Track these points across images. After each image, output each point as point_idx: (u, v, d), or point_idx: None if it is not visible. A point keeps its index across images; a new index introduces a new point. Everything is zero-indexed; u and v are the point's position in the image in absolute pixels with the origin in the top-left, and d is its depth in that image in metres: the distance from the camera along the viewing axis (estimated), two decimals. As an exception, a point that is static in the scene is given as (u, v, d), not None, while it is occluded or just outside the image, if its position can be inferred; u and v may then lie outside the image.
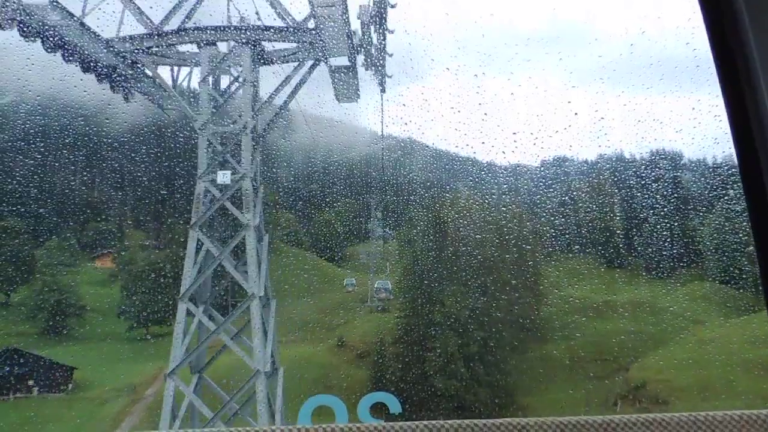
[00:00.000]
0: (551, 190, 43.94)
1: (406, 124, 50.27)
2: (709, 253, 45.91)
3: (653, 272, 45.18)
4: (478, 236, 41.25)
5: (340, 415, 7.10)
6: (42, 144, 41.91)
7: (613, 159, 44.89)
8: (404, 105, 48.17)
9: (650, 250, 43.60)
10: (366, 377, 37.36)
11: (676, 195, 43.13)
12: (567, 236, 44.83)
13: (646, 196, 42.54)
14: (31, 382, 36.37)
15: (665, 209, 41.22)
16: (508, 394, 35.76)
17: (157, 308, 47.57)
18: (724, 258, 43.47)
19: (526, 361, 38.12)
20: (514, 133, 44.74)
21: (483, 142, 44.75)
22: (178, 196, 48.51)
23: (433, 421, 2.57)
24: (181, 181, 47.00)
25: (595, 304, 44.77)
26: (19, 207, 49.60)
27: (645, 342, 40.46)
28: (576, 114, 42.56)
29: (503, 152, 51.57)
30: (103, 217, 56.31)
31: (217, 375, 21.87)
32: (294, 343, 44.77)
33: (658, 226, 41.79)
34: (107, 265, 56.90)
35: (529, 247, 43.78)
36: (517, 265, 42.18)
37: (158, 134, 42.50)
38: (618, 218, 46.45)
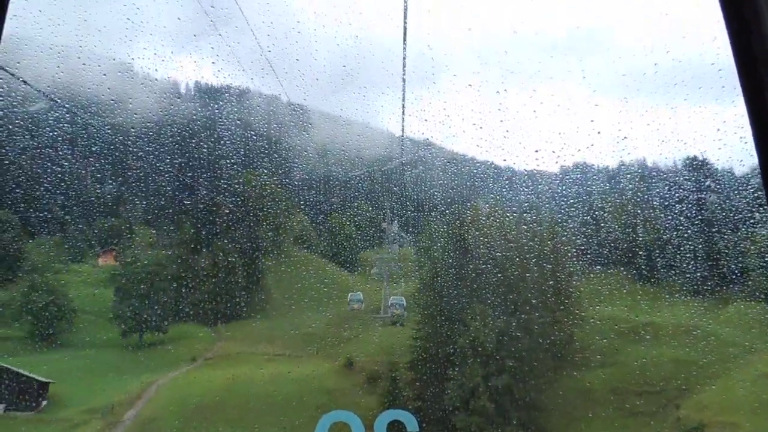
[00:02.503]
0: (576, 205, 40.88)
1: (427, 139, 46.38)
2: (756, 270, 41.44)
3: (692, 291, 41.05)
4: (502, 252, 37.86)
5: (356, 431, 7.01)
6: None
7: (638, 174, 43.01)
8: (426, 120, 45.75)
9: (687, 266, 39.75)
10: (376, 405, 32.59)
11: (711, 210, 40.26)
12: (595, 252, 41.64)
13: (679, 210, 39.56)
14: (-4, 399, 32.27)
15: (700, 224, 38.50)
16: (540, 433, 30.79)
17: (155, 313, 45.01)
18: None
19: (560, 395, 33.28)
20: (537, 151, 42.51)
21: (504, 159, 41.99)
22: (185, 194, 47.04)
23: None
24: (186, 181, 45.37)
25: (632, 325, 40.75)
26: (13, 202, 46.91)
27: (695, 373, 35.90)
28: (599, 133, 39.52)
29: (525, 170, 47.54)
30: (105, 213, 53.70)
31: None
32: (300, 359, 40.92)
33: (693, 242, 38.71)
34: (106, 264, 53.47)
35: (556, 263, 39.78)
36: (544, 283, 38.17)
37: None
38: (649, 234, 43.07)
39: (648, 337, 39.48)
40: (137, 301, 44.97)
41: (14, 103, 35.35)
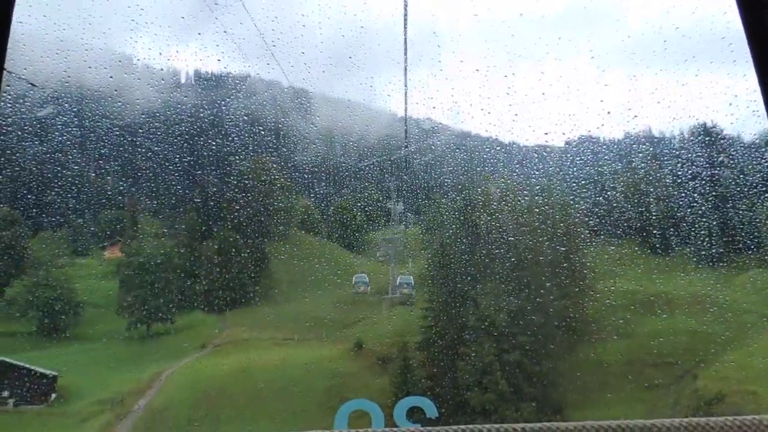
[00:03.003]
0: (584, 174, 40.23)
1: (434, 123, 46.09)
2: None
3: (705, 261, 40.48)
4: (512, 228, 36.98)
5: (376, 420, 6.88)
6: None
7: (649, 152, 42.46)
8: (434, 108, 45.19)
9: (700, 237, 39.34)
10: (387, 387, 32.06)
11: (724, 183, 39.53)
12: (607, 227, 41.20)
13: (692, 186, 38.94)
14: (6, 393, 31.96)
15: (712, 197, 38.11)
16: (555, 409, 30.21)
17: (162, 303, 44.85)
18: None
19: (575, 368, 32.61)
20: (546, 133, 41.54)
21: (514, 143, 42.38)
22: (189, 184, 46.61)
23: (471, 426, 2.48)
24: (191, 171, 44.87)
25: (646, 297, 39.92)
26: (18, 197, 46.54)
27: (712, 343, 35.15)
28: (609, 113, 38.30)
29: (535, 152, 46.74)
30: (110, 206, 53.19)
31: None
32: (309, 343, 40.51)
33: (705, 213, 38.20)
34: (112, 256, 53.14)
35: (568, 237, 38.95)
36: (555, 258, 37.29)
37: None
38: (660, 207, 42.13)
39: (663, 309, 38.80)
40: (144, 292, 44.64)
41: (18, 99, 34.94)
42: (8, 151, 40.67)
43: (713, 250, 39.47)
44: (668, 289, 40.39)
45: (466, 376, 29.29)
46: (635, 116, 38.09)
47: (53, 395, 33.15)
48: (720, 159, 39.66)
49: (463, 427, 2.46)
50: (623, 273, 41.93)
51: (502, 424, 2.52)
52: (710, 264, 40.21)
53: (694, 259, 41.47)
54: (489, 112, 45.21)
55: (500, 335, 30.30)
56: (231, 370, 35.70)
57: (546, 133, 40.21)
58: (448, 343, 31.07)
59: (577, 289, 37.98)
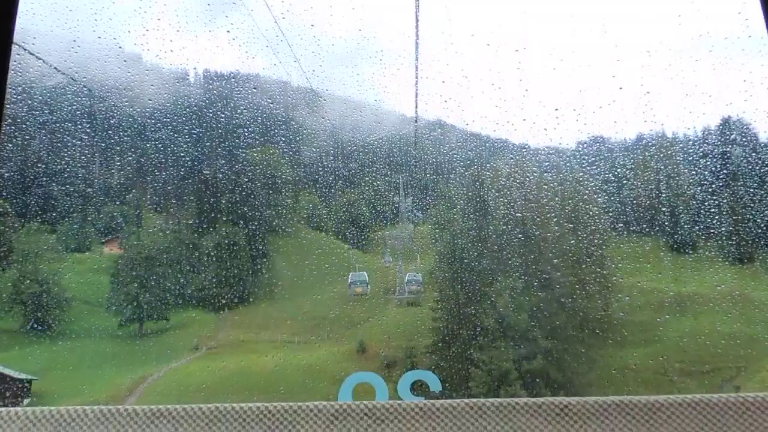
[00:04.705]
0: (597, 167, 37.82)
1: (445, 101, 44.36)
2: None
3: (733, 256, 37.37)
4: (526, 217, 34.09)
5: (380, 393, 6.87)
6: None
7: (661, 134, 40.12)
8: (443, 82, 43.99)
9: (725, 230, 36.84)
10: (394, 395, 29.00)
11: (743, 166, 37.05)
12: (623, 216, 38.37)
13: (709, 167, 37.00)
14: (-26, 400, 29.19)
15: (732, 183, 35.68)
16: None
17: (157, 299, 42.37)
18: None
19: (602, 376, 29.46)
20: (556, 109, 39.72)
21: (524, 119, 40.28)
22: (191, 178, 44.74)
23: (474, 399, 2.68)
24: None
25: (674, 297, 36.81)
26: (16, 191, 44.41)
27: (753, 347, 31.98)
28: (621, 88, 36.93)
29: (545, 129, 46.36)
30: (111, 200, 51.08)
31: None
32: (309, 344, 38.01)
33: (728, 202, 35.68)
34: (111, 251, 50.82)
35: (584, 229, 36.10)
36: (573, 251, 34.38)
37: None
38: (678, 196, 39.24)
39: (693, 308, 35.67)
40: (138, 288, 42.35)
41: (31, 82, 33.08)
42: (11, 146, 38.65)
43: (742, 247, 36.49)
44: (698, 288, 37.25)
45: (480, 384, 26.12)
46: (648, 92, 36.44)
47: (26, 401, 30.36)
48: (733, 137, 37.55)
49: (466, 400, 2.62)
50: (647, 270, 38.94)
51: (505, 399, 2.62)
52: (740, 261, 37.12)
53: (721, 256, 38.50)
54: (500, 87, 43.84)
55: (520, 338, 27.09)
56: (223, 375, 33.10)
57: (556, 109, 38.43)
58: (461, 346, 27.90)
59: (600, 288, 34.99)
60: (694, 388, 30.45)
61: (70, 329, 40.97)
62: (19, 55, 26.20)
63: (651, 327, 34.40)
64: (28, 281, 41.24)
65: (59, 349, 38.24)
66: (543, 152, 38.50)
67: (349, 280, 40.44)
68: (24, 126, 37.10)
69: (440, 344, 29.82)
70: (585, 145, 38.35)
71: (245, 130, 42.15)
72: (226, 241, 45.16)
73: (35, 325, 39.64)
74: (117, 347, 39.49)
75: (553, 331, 28.51)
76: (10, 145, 37.64)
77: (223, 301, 43.09)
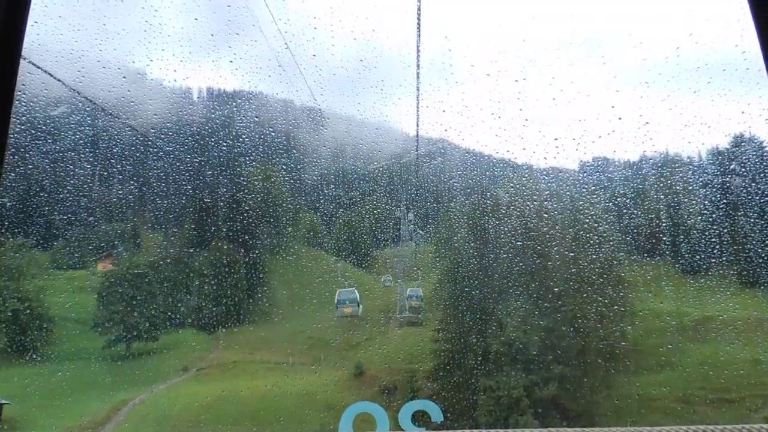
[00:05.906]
0: (597, 195, 36.68)
1: (445, 130, 45.05)
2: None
3: (751, 280, 35.76)
4: (533, 235, 32.69)
5: (381, 423, 6.07)
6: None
7: (661, 160, 39.99)
8: (443, 111, 43.93)
9: (740, 254, 35.52)
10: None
11: (742, 194, 36.10)
12: (632, 240, 37.57)
13: (708, 196, 36.51)
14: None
15: (737, 209, 34.53)
16: (598, 456, 24.62)
17: (146, 319, 40.78)
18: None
19: (621, 406, 27.15)
20: (556, 139, 39.48)
21: (524, 148, 39.50)
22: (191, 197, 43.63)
23: (476, 430, 5.00)
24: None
25: (692, 321, 34.63)
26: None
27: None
28: (620, 119, 36.78)
29: (545, 158, 46.28)
30: (107, 218, 49.76)
31: None
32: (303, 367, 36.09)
33: (735, 228, 34.40)
34: (105, 269, 49.19)
35: (596, 252, 34.41)
36: (586, 273, 32.47)
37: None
38: (687, 221, 38.34)
39: (713, 333, 33.57)
40: (126, 307, 40.77)
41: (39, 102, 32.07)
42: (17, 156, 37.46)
43: (759, 270, 34.72)
44: (716, 312, 35.25)
45: (488, 413, 23.86)
46: (647, 122, 36.17)
47: (-4, 427, 28.21)
48: (732, 167, 36.79)
49: (468, 431, 3.19)
50: (662, 293, 37.03)
51: (515, 429, 3.92)
52: (758, 285, 35.30)
53: (738, 280, 36.84)
54: (499, 117, 43.99)
55: (530, 362, 24.93)
56: (211, 399, 30.94)
57: (556, 138, 38.18)
58: (466, 372, 25.70)
59: (611, 308, 33.04)
60: (718, 417, 28.28)
61: (54, 350, 39.17)
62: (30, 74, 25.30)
63: (669, 353, 32.45)
64: (12, 300, 39.60)
65: (40, 371, 36.26)
66: (543, 180, 37.74)
67: (337, 299, 36.86)
68: (24, 144, 36.15)
69: (443, 368, 27.63)
70: (585, 174, 38.02)
71: (244, 148, 41.14)
72: (220, 260, 43.79)
73: (15, 346, 37.85)
74: (102, 369, 37.53)
75: (565, 356, 26.39)
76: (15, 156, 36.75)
77: (218, 320, 41.42)
